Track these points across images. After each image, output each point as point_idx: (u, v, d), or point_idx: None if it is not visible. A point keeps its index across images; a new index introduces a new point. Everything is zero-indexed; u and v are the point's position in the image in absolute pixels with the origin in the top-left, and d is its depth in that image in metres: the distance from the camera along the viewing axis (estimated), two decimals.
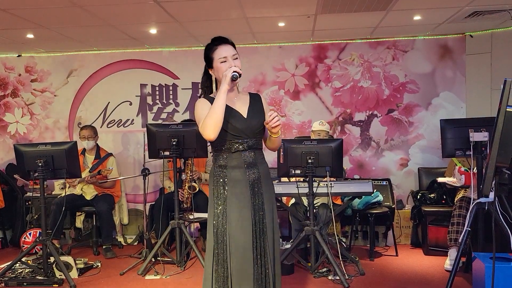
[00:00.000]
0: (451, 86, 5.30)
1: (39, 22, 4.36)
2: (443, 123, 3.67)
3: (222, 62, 2.33)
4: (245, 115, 2.36)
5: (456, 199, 4.23)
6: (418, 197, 4.79)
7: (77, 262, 4.12)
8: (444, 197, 4.66)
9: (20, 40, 5.07)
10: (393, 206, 4.84)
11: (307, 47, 5.48)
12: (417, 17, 4.48)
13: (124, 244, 5.24)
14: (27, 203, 5.21)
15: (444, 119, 3.80)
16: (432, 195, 4.71)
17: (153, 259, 4.22)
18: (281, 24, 4.63)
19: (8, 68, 5.81)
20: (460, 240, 3.49)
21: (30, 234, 4.77)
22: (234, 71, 2.25)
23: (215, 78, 2.39)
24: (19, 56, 5.78)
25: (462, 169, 3.91)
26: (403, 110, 5.38)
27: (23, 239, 4.76)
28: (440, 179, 4.51)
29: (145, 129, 4.44)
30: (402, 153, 5.40)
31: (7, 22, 4.29)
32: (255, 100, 2.45)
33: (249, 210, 2.31)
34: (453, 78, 5.29)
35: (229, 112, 2.33)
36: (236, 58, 2.35)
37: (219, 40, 2.37)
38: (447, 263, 4.00)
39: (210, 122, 2.20)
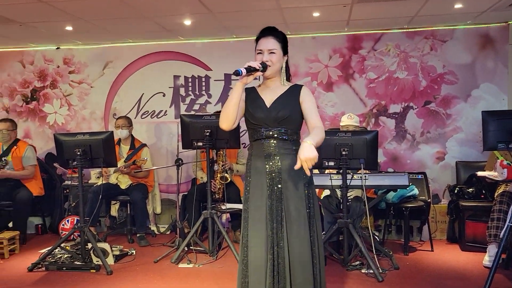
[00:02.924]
0: (492, 77, 5.10)
1: (78, 15, 4.46)
2: (485, 115, 3.52)
3: (258, 53, 2.42)
4: (268, 105, 2.41)
5: (496, 194, 4.08)
6: (456, 191, 4.65)
7: (113, 249, 4.22)
8: (483, 191, 4.50)
9: (59, 33, 5.20)
10: (429, 200, 4.72)
11: (341, 38, 5.39)
12: (458, 5, 4.32)
13: (157, 233, 5.33)
14: (65, 191, 5.37)
15: (486, 110, 3.66)
16: (470, 189, 4.56)
17: (185, 248, 4.28)
18: (316, 14, 4.57)
19: (48, 60, 5.98)
20: (501, 236, 3.37)
21: (68, 221, 4.91)
22: (249, 66, 2.30)
23: None
24: (57, 48, 5.94)
25: (505, 162, 3.76)
26: (441, 102, 5.22)
27: (61, 225, 4.91)
28: (479, 173, 4.34)
29: (178, 120, 4.48)
30: (439, 146, 5.25)
31: (47, 14, 4.41)
32: (290, 91, 2.46)
33: (263, 199, 2.37)
34: (495, 69, 5.09)
35: (254, 101, 2.43)
36: (273, 53, 2.39)
37: (264, 32, 2.43)
38: (486, 259, 3.88)
39: (221, 115, 2.39)
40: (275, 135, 2.38)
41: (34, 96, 6.02)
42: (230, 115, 2.35)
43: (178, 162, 4.58)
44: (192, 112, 5.68)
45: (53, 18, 4.54)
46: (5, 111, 6.06)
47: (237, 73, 2.26)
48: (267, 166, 2.39)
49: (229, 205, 4.43)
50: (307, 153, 2.11)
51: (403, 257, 4.24)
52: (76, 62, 5.93)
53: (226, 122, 2.38)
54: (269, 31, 2.42)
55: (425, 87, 5.25)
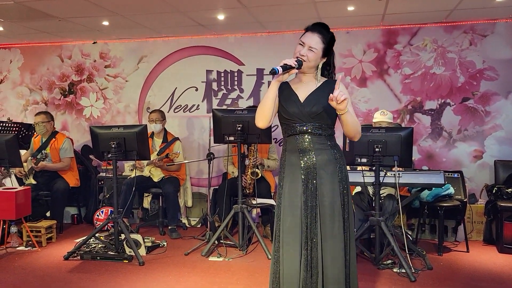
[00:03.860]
0: None
1: (114, 10, 4.55)
2: None
3: (299, 44, 2.38)
4: (302, 100, 2.37)
5: None
6: (494, 191, 4.49)
7: (145, 240, 4.30)
8: None
9: (96, 28, 5.32)
10: (465, 199, 4.58)
11: (376, 32, 5.29)
12: None
13: (188, 226, 5.39)
14: (100, 183, 5.51)
15: None
16: (509, 189, 4.40)
17: (216, 241, 4.31)
18: (350, 8, 4.49)
19: (85, 54, 6.13)
20: None
21: (102, 212, 5.04)
22: (285, 63, 2.27)
23: None
24: (94, 43, 6.09)
25: None
26: (480, 98, 5.05)
27: (96, 216, 5.04)
28: None
29: (210, 114, 4.51)
30: (477, 145, 5.08)
31: (85, 10, 4.52)
32: (324, 86, 2.41)
33: (298, 195, 2.35)
34: None
35: (288, 96, 2.40)
36: (312, 51, 2.34)
37: (313, 26, 2.40)
38: None
39: (258, 112, 2.38)
40: (310, 130, 2.35)
41: (72, 90, 6.19)
42: (267, 113, 2.34)
43: (210, 156, 4.62)
44: (224, 107, 5.71)
45: (91, 13, 4.65)
46: (44, 103, 6.27)
47: (274, 72, 2.24)
48: (302, 162, 2.36)
49: (259, 200, 4.44)
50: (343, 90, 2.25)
51: (437, 257, 4.13)
52: (111, 56, 6.06)
53: (263, 121, 2.37)
54: (318, 28, 2.37)
55: (463, 83, 5.08)
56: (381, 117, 4.36)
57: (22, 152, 5.08)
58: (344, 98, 2.16)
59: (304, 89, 2.41)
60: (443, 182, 3.87)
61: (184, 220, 5.46)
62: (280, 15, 4.72)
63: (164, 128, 5.26)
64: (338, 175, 2.37)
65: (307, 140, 2.36)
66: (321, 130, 2.36)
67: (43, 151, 4.90)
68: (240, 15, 4.73)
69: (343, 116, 2.25)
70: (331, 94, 2.19)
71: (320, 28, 2.37)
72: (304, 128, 2.35)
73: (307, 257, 2.31)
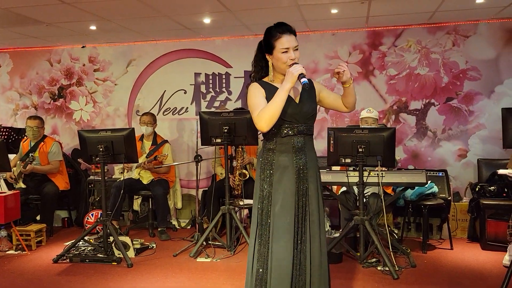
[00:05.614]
0: None
1: (101, 14, 4.59)
2: (504, 112, 3.49)
3: (283, 52, 2.33)
4: (297, 100, 2.39)
5: None
6: (477, 189, 4.57)
7: (134, 242, 4.34)
8: (506, 190, 4.41)
9: (84, 32, 5.35)
10: (449, 198, 4.66)
11: (361, 34, 5.36)
12: (479, 0, 4.23)
13: (177, 227, 5.44)
14: (90, 186, 5.54)
15: (506, 107, 3.61)
16: (492, 187, 4.48)
17: (204, 242, 4.36)
18: (334, 11, 4.56)
19: (74, 58, 6.16)
20: None
21: (92, 214, 5.08)
22: (302, 76, 2.25)
23: (272, 64, 2.40)
24: (83, 47, 6.12)
25: None
26: (463, 98, 5.13)
27: (86, 219, 5.08)
28: (501, 171, 4.27)
29: (198, 116, 4.56)
30: (461, 144, 5.17)
31: (72, 15, 4.56)
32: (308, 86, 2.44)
33: (292, 195, 2.34)
34: None
35: None
36: (297, 49, 2.36)
37: (284, 28, 2.36)
38: (506, 258, 3.81)
39: (266, 117, 2.23)
40: (305, 131, 2.38)
41: (61, 94, 6.22)
42: (276, 117, 2.25)
43: (197, 158, 4.67)
44: (213, 109, 5.76)
45: (77, 18, 4.69)
46: (34, 108, 6.29)
47: (307, 82, 2.24)
48: (295, 162, 2.35)
49: (247, 201, 4.49)
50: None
51: (421, 255, 4.21)
52: (100, 60, 6.10)
53: (269, 125, 2.25)
54: (290, 29, 2.37)
55: (447, 84, 5.16)
56: (367, 114, 4.45)
57: (12, 156, 5.11)
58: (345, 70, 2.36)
59: (292, 89, 2.37)
60: (425, 181, 3.94)
61: (174, 222, 5.50)
62: (265, 18, 4.77)
63: (154, 131, 5.30)
64: (317, 174, 2.44)
65: (302, 140, 2.38)
66: (311, 131, 2.43)
67: (30, 154, 4.94)
68: (225, 18, 4.79)
69: (349, 88, 2.42)
70: (336, 69, 2.37)
71: (290, 28, 2.38)
72: (301, 129, 2.37)
73: (295, 256, 2.31)
